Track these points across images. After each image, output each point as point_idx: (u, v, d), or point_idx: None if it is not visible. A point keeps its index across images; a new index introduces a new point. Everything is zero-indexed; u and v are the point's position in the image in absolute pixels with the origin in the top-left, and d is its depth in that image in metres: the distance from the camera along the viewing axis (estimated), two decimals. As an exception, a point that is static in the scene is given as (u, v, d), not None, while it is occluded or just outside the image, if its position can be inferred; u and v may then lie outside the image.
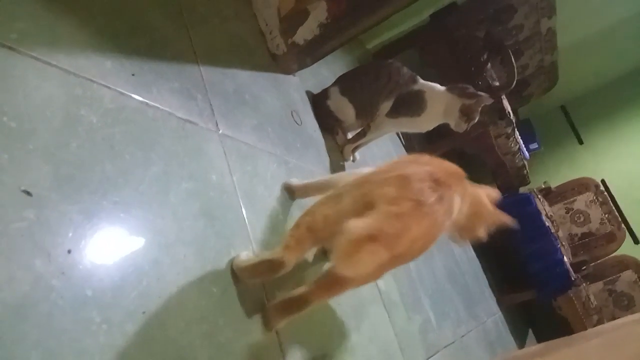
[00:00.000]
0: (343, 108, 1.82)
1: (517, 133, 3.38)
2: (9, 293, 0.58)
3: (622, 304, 3.98)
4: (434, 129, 1.85)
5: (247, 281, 0.98)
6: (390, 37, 3.25)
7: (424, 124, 1.80)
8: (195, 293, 0.85)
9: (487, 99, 1.69)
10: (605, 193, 4.27)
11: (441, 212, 0.89)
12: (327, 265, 1.17)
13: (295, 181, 1.33)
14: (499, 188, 3.88)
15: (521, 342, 3.24)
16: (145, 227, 0.82)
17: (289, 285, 1.12)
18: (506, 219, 1.14)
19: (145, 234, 0.81)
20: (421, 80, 1.79)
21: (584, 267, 3.59)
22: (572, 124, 4.81)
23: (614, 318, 3.80)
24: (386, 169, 0.97)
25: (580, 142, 4.75)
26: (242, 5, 1.70)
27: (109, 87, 0.89)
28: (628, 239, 4.19)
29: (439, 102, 1.74)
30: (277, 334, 1.00)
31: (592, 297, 3.65)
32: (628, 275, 4.04)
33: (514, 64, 2.88)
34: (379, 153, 2.40)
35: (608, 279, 4.06)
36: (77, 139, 0.77)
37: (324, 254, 1.27)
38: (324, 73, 2.17)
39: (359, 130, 1.90)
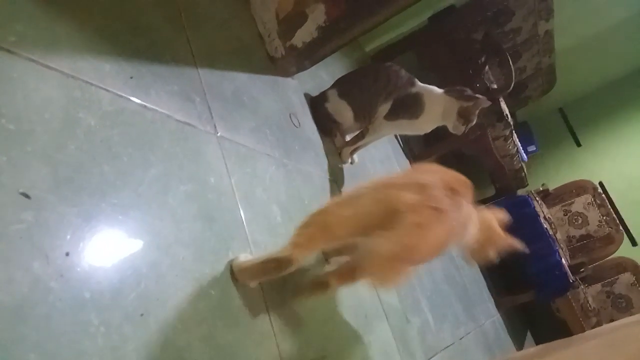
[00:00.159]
0: (341, 110, 1.83)
1: (515, 135, 3.39)
2: (7, 295, 0.58)
3: (620, 306, 3.98)
4: (432, 131, 1.85)
5: (247, 282, 0.98)
6: (388, 39, 3.26)
7: (422, 126, 1.80)
8: (193, 295, 0.85)
9: (484, 102, 1.70)
10: (603, 195, 4.28)
11: (458, 219, 0.94)
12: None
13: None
14: (497, 190, 3.89)
15: (520, 344, 3.24)
16: (143, 229, 0.82)
17: (289, 287, 1.12)
18: (516, 244, 1.19)
19: (144, 236, 0.81)
20: (419, 83, 1.80)
21: (582, 269, 3.59)
22: (570, 126, 4.83)
23: (612, 320, 3.80)
24: (401, 176, 1.02)
25: (578, 145, 4.76)
26: (240, 8, 1.70)
27: (107, 90, 0.90)
28: (626, 241, 4.20)
29: (437, 105, 1.74)
30: (275, 336, 1.00)
31: (590, 299, 3.65)
32: (626, 277, 4.05)
33: (512, 67, 2.89)
34: (378, 155, 2.40)
35: (606, 281, 4.07)
36: (76, 141, 0.77)
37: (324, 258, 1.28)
38: (322, 76, 2.17)
39: (357, 132, 1.90)
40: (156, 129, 0.97)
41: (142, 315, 0.73)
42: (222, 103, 1.26)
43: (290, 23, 1.70)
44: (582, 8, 3.46)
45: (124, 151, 0.86)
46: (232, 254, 1.00)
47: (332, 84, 1.90)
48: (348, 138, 1.94)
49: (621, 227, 4.19)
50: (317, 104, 1.88)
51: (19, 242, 0.62)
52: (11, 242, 0.61)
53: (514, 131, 3.31)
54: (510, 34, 3.27)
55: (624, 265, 4.07)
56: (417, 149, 3.22)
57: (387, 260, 0.85)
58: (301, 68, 1.81)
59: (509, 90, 2.91)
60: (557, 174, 4.60)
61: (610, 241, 4.16)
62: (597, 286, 4.06)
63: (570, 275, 3.24)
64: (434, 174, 0.99)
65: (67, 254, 0.67)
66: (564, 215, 4.29)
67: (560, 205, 4.32)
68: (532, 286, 3.25)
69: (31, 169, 0.68)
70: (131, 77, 0.98)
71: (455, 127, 1.75)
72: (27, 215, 0.64)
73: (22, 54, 0.76)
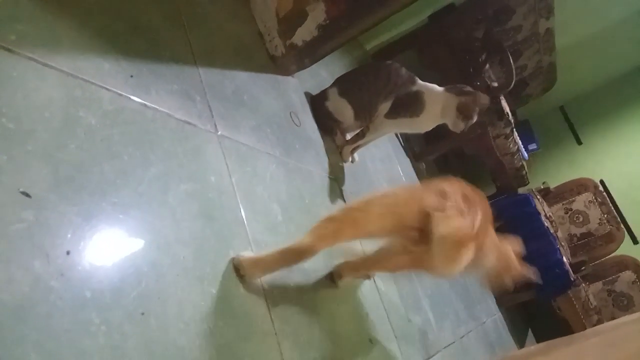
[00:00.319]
0: (342, 109, 1.83)
1: (515, 134, 3.38)
2: (8, 294, 0.58)
3: (621, 304, 3.98)
4: (432, 129, 1.85)
5: (255, 276, 1.01)
6: (388, 38, 3.26)
7: (422, 124, 1.80)
8: (194, 294, 0.85)
9: (483, 97, 1.68)
10: (604, 193, 4.27)
11: (478, 224, 1.02)
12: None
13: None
14: (498, 189, 3.89)
15: (521, 343, 3.24)
16: (144, 228, 0.82)
17: (290, 286, 1.12)
18: (531, 274, 1.26)
19: (144, 235, 0.81)
20: (420, 81, 1.79)
21: (583, 268, 3.59)
22: (571, 124, 4.82)
23: (613, 318, 3.80)
24: (423, 185, 1.11)
25: (579, 143, 4.75)
26: (240, 6, 1.70)
27: (107, 89, 0.90)
28: (627, 239, 4.19)
29: (438, 103, 1.74)
30: (276, 335, 1.00)
31: (591, 298, 3.65)
32: (627, 275, 4.04)
33: (513, 65, 2.89)
34: (378, 154, 2.40)
35: (607, 279, 4.06)
36: (76, 140, 0.77)
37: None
38: (322, 74, 2.17)
39: (357, 131, 1.90)
40: (156, 127, 0.97)
41: (142, 314, 0.73)
42: (223, 102, 1.26)
43: (290, 22, 1.70)
44: (583, 6, 3.45)
45: (124, 150, 0.86)
46: (232, 252, 1.00)
47: (332, 82, 1.90)
48: (349, 137, 1.94)
49: (622, 225, 4.19)
50: (317, 103, 1.88)
51: (20, 241, 0.62)
52: (12, 241, 0.61)
53: (514, 129, 3.31)
54: (511, 32, 3.26)
55: (625, 264, 4.06)
56: (417, 148, 3.22)
57: (458, 242, 0.96)
58: (301, 67, 1.81)
59: (509, 89, 2.91)
60: (558, 172, 4.60)
61: (611, 239, 4.15)
62: (598, 284, 4.05)
63: (572, 273, 3.24)
64: (453, 185, 1.06)
65: (68, 253, 0.67)
66: (565, 213, 4.28)
67: (561, 203, 4.31)
68: (533, 284, 3.24)
69: (31, 168, 0.68)
70: (131, 76, 0.98)
71: (455, 123, 1.74)
72: (28, 214, 0.64)
73: (22, 53, 0.76)
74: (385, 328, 1.50)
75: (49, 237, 0.66)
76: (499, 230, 1.23)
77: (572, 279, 3.21)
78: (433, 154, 3.23)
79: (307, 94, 1.90)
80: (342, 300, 1.32)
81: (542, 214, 3.45)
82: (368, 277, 1.51)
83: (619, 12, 3.64)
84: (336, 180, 1.73)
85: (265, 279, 1.05)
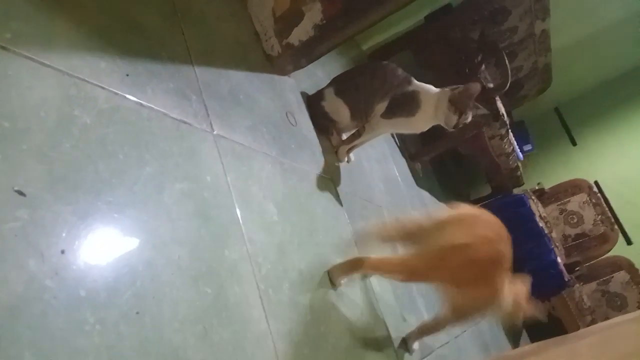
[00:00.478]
0: (338, 109, 1.83)
1: (511, 134, 3.40)
2: (2, 293, 0.58)
3: (615, 305, 4.00)
4: (428, 130, 1.85)
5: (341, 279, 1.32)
6: (385, 38, 3.26)
7: (418, 124, 1.80)
8: (189, 293, 0.85)
9: (473, 85, 1.66)
10: (599, 194, 4.30)
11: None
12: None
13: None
14: (493, 189, 3.91)
15: (515, 343, 3.25)
16: (139, 228, 0.82)
17: (286, 286, 1.12)
18: (540, 313, 1.35)
19: (139, 234, 0.81)
20: (416, 81, 1.80)
21: (578, 268, 3.61)
22: (566, 125, 4.85)
23: (607, 318, 3.82)
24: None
25: (574, 144, 4.78)
26: (237, 5, 1.70)
27: (103, 88, 0.89)
28: (621, 240, 4.22)
29: (433, 102, 1.74)
30: (272, 334, 1.00)
31: (585, 298, 3.67)
32: (621, 276, 4.07)
33: (508, 66, 2.90)
34: (374, 154, 2.41)
35: (601, 279, 4.09)
36: (71, 139, 0.77)
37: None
38: (319, 74, 2.17)
39: (353, 131, 1.90)
40: (152, 127, 0.97)
41: (137, 313, 0.73)
42: (219, 101, 1.26)
43: (286, 21, 1.70)
44: (578, 8, 3.47)
45: (120, 149, 0.85)
46: (227, 252, 1.00)
47: (328, 82, 1.90)
48: (345, 136, 1.94)
49: (616, 226, 4.21)
50: (313, 103, 1.88)
51: (14, 240, 0.62)
52: (6, 240, 0.61)
53: (510, 130, 3.32)
54: (507, 33, 3.28)
55: (618, 264, 4.09)
56: (413, 148, 3.23)
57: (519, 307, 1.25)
58: (298, 66, 1.81)
59: (505, 90, 2.92)
60: (553, 173, 4.62)
61: (605, 240, 4.18)
62: (592, 285, 4.08)
63: (566, 273, 3.26)
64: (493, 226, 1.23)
65: (63, 252, 0.67)
66: (560, 214, 4.31)
67: (556, 204, 4.34)
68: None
69: (26, 166, 0.68)
70: (127, 75, 0.98)
71: (447, 117, 1.70)
72: (22, 213, 0.64)
73: (17, 52, 0.75)
74: (381, 328, 1.50)
75: (44, 236, 0.65)
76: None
77: (566, 279, 3.23)
78: (429, 155, 3.24)
79: (304, 94, 1.90)
80: (337, 300, 1.32)
81: (537, 214, 3.47)
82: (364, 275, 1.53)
83: (613, 14, 3.67)
84: (332, 180, 1.73)
85: (260, 279, 1.05)
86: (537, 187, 4.33)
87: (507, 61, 2.90)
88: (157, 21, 1.18)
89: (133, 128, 0.91)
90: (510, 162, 3.58)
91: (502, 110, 3.14)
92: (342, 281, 1.35)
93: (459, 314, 1.34)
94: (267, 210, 1.23)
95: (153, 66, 1.08)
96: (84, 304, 0.66)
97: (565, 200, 4.33)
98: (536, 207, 3.68)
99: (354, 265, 1.35)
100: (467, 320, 1.43)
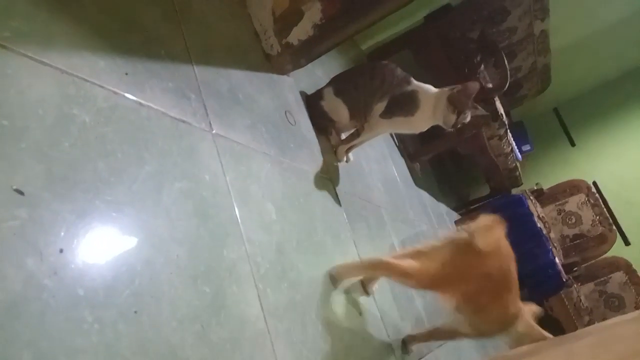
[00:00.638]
0: (337, 109, 1.83)
1: (509, 135, 3.40)
2: (0, 292, 0.58)
3: (613, 305, 4.01)
4: (427, 130, 1.85)
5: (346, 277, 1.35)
6: (384, 38, 3.26)
7: (417, 123, 1.80)
8: (188, 292, 0.85)
9: (472, 84, 1.66)
10: (597, 195, 4.30)
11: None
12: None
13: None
14: (492, 189, 3.91)
15: (513, 343, 3.24)
16: (137, 227, 0.82)
17: (284, 286, 1.12)
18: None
19: (138, 233, 0.81)
20: (415, 81, 1.80)
21: (576, 269, 3.62)
22: (565, 125, 4.85)
23: (604, 319, 3.83)
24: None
25: (573, 144, 4.79)
26: (236, 5, 1.70)
27: (102, 86, 0.89)
28: (619, 240, 4.23)
29: (432, 101, 1.74)
30: (270, 334, 1.00)
31: (583, 298, 3.68)
32: (619, 276, 4.08)
33: (507, 66, 2.90)
34: (373, 154, 2.41)
35: (599, 280, 4.09)
36: (70, 138, 0.77)
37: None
38: (318, 74, 2.17)
39: (352, 130, 1.90)
40: (151, 126, 0.97)
41: (136, 312, 0.73)
42: (218, 100, 1.26)
43: (286, 21, 1.70)
44: (577, 9, 3.47)
45: (119, 148, 0.85)
46: (226, 251, 1.00)
47: (328, 82, 1.90)
48: (344, 136, 1.94)
49: (614, 227, 4.22)
50: (312, 102, 1.88)
51: (13, 239, 0.62)
52: (4, 239, 0.61)
53: (508, 130, 3.32)
54: (506, 33, 3.28)
55: (616, 265, 4.10)
56: (412, 148, 3.23)
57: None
58: (297, 66, 1.81)
59: (504, 90, 2.92)
60: (551, 174, 4.63)
61: (604, 240, 4.18)
62: (590, 285, 4.09)
63: (564, 274, 3.26)
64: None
65: (61, 251, 0.67)
66: (558, 214, 4.31)
67: (554, 204, 4.34)
68: (525, 285, 3.25)
69: (25, 165, 0.68)
70: (126, 74, 0.97)
71: (446, 117, 1.70)
72: (21, 211, 0.64)
73: (16, 50, 0.75)
74: (379, 328, 1.50)
75: (42, 234, 0.65)
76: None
77: (564, 279, 3.24)
78: (428, 154, 3.24)
79: (303, 93, 1.90)
80: (335, 301, 1.32)
81: (535, 214, 3.47)
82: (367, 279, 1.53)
83: (612, 15, 3.67)
84: (331, 179, 1.73)
85: (258, 278, 1.05)
86: (535, 188, 4.33)
87: (506, 61, 2.90)
88: (157, 20, 1.18)
89: (132, 127, 0.91)
90: (509, 163, 3.58)
91: (501, 110, 3.15)
92: (345, 282, 1.35)
93: (478, 331, 1.38)
94: (266, 209, 1.23)
95: (152, 65, 1.07)
96: (82, 303, 0.66)
97: (563, 201, 4.33)
98: (534, 207, 3.69)
99: (369, 267, 1.37)
100: (485, 337, 1.47)
